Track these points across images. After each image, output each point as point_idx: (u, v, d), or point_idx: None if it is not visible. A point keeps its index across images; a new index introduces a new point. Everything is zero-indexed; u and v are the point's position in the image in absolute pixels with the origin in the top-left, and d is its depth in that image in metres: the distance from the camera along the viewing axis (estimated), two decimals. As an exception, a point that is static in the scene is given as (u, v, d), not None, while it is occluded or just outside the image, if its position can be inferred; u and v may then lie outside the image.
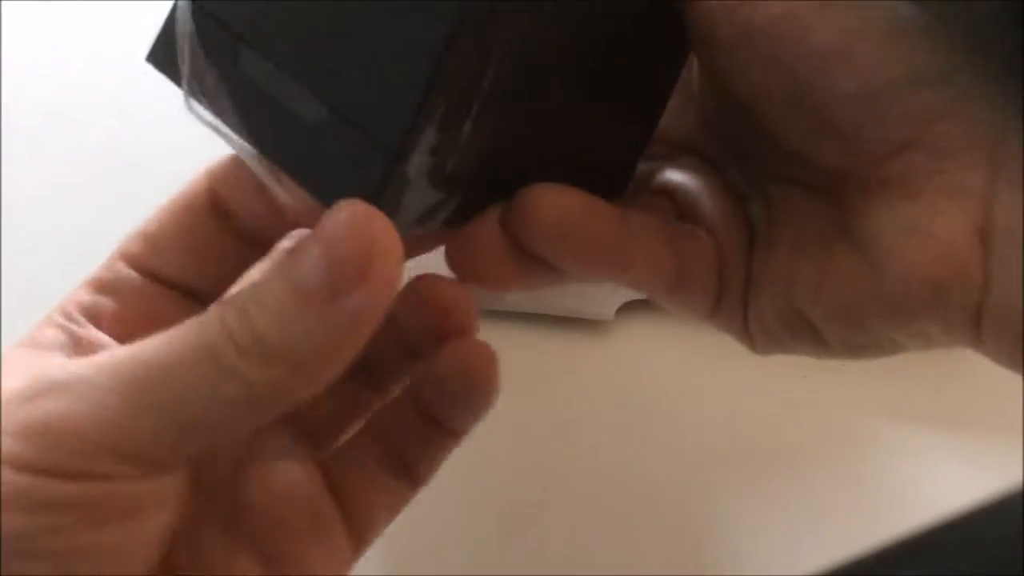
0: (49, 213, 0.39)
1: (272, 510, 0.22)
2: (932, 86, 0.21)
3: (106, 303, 0.21)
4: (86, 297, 0.21)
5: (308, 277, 0.18)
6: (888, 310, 0.21)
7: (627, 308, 0.37)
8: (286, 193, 0.19)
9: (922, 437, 0.36)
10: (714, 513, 0.34)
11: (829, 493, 0.34)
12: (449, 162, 0.20)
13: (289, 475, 0.23)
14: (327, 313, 0.18)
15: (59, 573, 0.18)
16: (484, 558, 0.32)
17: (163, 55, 0.20)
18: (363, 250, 0.18)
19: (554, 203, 0.22)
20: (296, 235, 0.22)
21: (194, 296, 0.22)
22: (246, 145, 0.19)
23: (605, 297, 0.37)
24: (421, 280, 0.23)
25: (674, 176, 0.26)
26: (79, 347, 0.21)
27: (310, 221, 0.19)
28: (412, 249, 0.22)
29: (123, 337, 0.21)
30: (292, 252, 0.18)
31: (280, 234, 0.22)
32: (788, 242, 0.23)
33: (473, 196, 0.21)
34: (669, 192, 0.25)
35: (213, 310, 0.18)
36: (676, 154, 0.26)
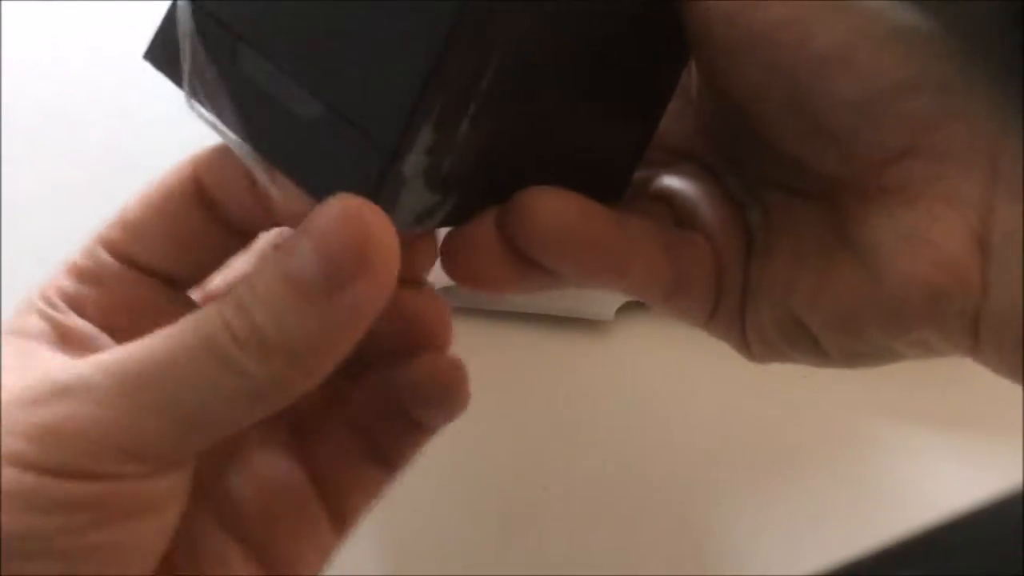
0: (49, 213, 0.39)
1: (261, 503, 0.23)
2: (931, 92, 0.21)
3: (88, 292, 0.21)
4: (67, 284, 0.21)
5: (306, 272, 0.18)
6: (887, 317, 0.21)
7: (627, 308, 0.37)
8: (280, 193, 0.19)
9: (922, 437, 0.36)
10: (714, 513, 0.34)
11: (829, 493, 0.34)
12: (446, 162, 0.20)
13: (275, 467, 0.23)
14: (327, 307, 0.18)
15: (68, 572, 0.18)
16: (484, 558, 0.32)
17: (161, 53, 0.20)
18: (359, 243, 0.18)
19: (550, 206, 0.22)
20: (287, 231, 0.22)
21: (172, 283, 0.22)
22: (244, 144, 0.19)
23: (605, 297, 0.37)
24: (403, 295, 0.23)
25: (672, 182, 0.26)
26: (65, 338, 0.21)
27: (298, 221, 0.19)
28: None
29: (107, 326, 0.21)
30: (287, 247, 0.18)
31: (265, 224, 0.22)
32: (786, 249, 0.23)
33: (470, 197, 0.21)
34: (667, 198, 0.25)
35: (212, 307, 0.18)
36: (674, 160, 0.26)
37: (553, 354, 0.37)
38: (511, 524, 0.33)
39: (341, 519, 0.24)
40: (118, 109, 0.42)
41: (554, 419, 0.36)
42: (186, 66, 0.19)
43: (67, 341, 0.21)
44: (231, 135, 0.19)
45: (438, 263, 0.23)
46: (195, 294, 0.23)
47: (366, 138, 0.18)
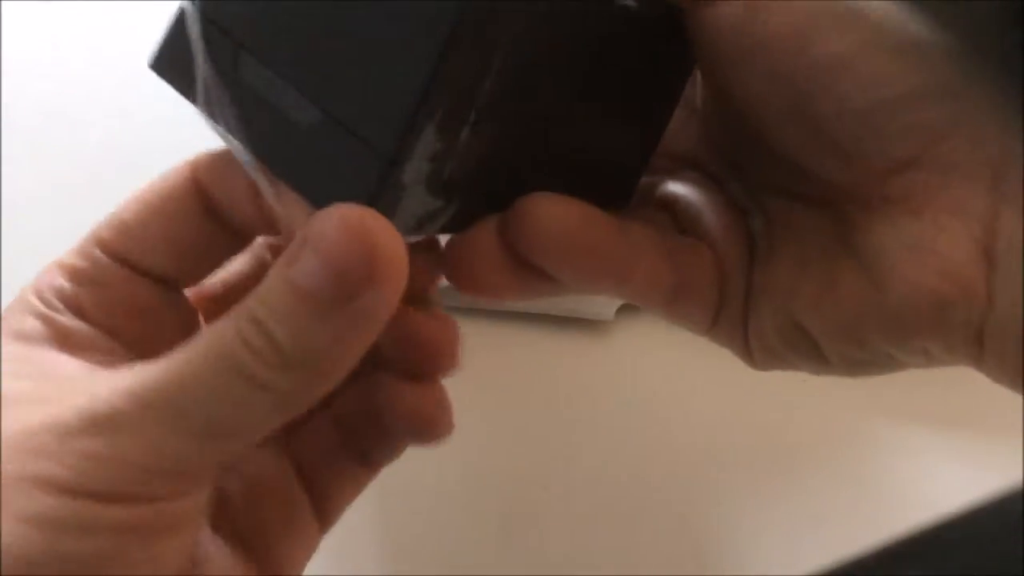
0: (49, 213, 0.39)
1: (250, 500, 0.23)
2: (936, 102, 0.21)
3: (86, 293, 0.21)
4: (64, 284, 0.21)
5: (316, 285, 0.18)
6: (890, 326, 0.21)
7: (627, 308, 0.37)
8: (281, 206, 0.20)
9: (922, 437, 0.36)
10: (714, 513, 0.34)
11: (829, 493, 0.34)
12: (446, 168, 0.19)
13: (264, 466, 0.23)
14: (339, 318, 0.18)
15: None
16: (484, 558, 0.32)
17: (168, 63, 0.20)
18: (366, 254, 0.18)
19: (552, 212, 0.22)
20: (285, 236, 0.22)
21: (167, 283, 0.22)
22: (248, 151, 0.19)
23: (605, 298, 0.37)
24: (411, 315, 0.23)
25: (675, 189, 0.25)
26: (65, 339, 0.21)
27: (299, 228, 0.19)
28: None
29: (105, 326, 0.21)
30: (292, 256, 0.18)
31: (266, 229, 0.22)
32: (789, 256, 0.23)
33: (472, 202, 0.21)
34: (670, 205, 0.25)
35: (226, 323, 0.19)
36: (678, 168, 0.26)
37: (553, 354, 0.37)
38: (511, 524, 0.33)
39: (325, 516, 0.24)
40: (118, 109, 0.42)
41: (554, 419, 0.36)
42: (199, 74, 0.19)
43: (67, 342, 0.21)
44: (235, 142, 0.19)
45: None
46: (188, 292, 0.23)
47: (365, 145, 0.18)
